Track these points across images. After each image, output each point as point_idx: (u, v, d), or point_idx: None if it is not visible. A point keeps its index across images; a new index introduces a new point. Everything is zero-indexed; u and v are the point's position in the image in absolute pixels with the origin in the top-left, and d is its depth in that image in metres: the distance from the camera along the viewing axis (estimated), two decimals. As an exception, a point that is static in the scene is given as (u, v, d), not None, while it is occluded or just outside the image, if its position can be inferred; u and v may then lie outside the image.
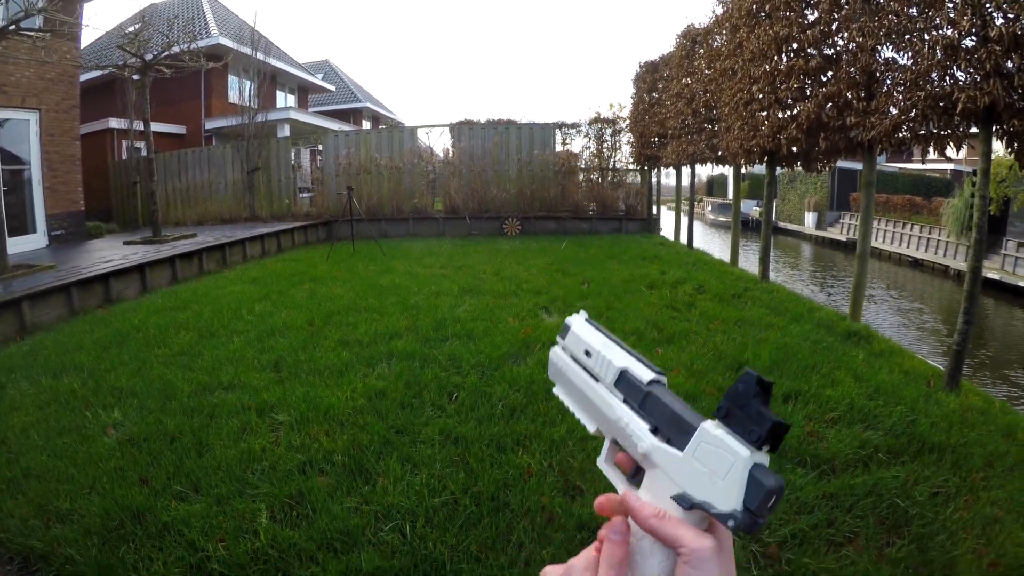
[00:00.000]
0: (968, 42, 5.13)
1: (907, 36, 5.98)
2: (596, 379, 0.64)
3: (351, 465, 3.51)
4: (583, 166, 18.31)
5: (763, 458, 0.51)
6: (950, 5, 5.35)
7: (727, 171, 46.18)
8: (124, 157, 20.21)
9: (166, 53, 12.45)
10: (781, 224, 33.16)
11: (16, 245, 11.51)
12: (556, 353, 0.70)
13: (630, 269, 10.13)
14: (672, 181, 17.31)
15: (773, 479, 0.49)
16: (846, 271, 22.24)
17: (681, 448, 0.55)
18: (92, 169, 17.03)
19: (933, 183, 30.68)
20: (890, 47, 6.44)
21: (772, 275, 10.08)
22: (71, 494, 3.33)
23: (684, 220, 16.11)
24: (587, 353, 0.66)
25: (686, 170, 15.53)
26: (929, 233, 23.37)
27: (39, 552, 2.93)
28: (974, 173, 20.97)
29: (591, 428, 0.66)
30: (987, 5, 4.86)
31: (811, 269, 23.81)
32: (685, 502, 0.53)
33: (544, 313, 7.26)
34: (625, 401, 0.61)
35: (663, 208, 19.18)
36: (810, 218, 32.10)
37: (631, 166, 18.19)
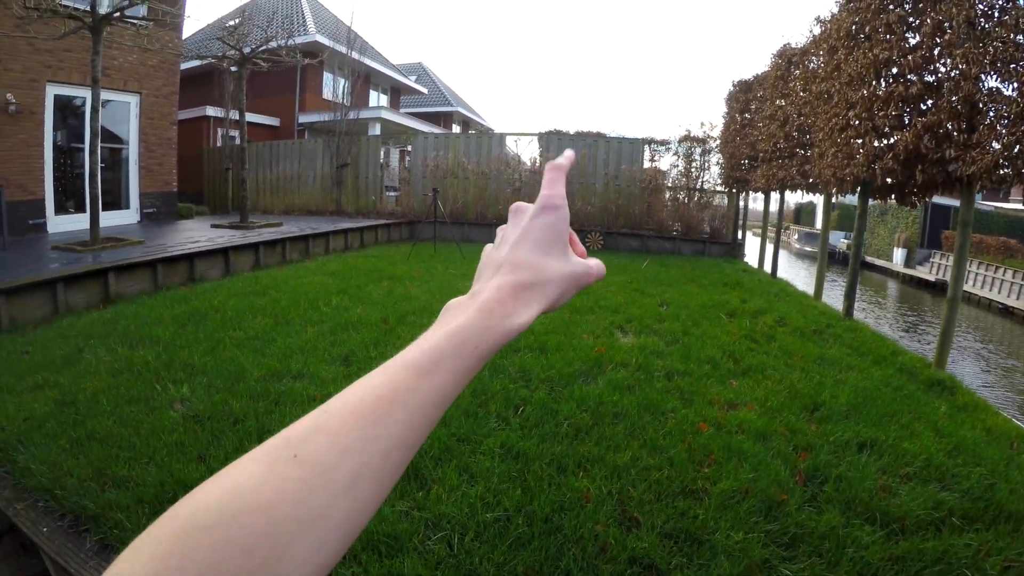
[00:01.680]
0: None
1: (1012, 65, 5.68)
2: None
3: (408, 469, 3.48)
4: (669, 184, 18.04)
5: None
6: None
7: (816, 199, 44.98)
8: (218, 144, 21.09)
9: (264, 47, 12.88)
10: (868, 259, 31.93)
11: (109, 219, 12.13)
12: None
13: (710, 294, 9.90)
14: (759, 206, 16.90)
15: None
16: (932, 314, 21.26)
17: None
18: (187, 154, 17.81)
19: (1029, 224, 29.00)
20: (995, 76, 6.12)
21: (856, 313, 9.70)
22: (130, 461, 3.45)
23: (769, 247, 15.70)
24: None
25: (774, 196, 15.13)
26: (1023, 279, 22.12)
27: (91, 513, 3.03)
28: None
29: None
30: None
31: (896, 309, 22.84)
32: None
33: (619, 332, 7.14)
34: None
35: (748, 233, 18.71)
36: (899, 254, 30.80)
37: (719, 187, 17.82)
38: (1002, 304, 22.18)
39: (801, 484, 3.66)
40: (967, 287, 23.79)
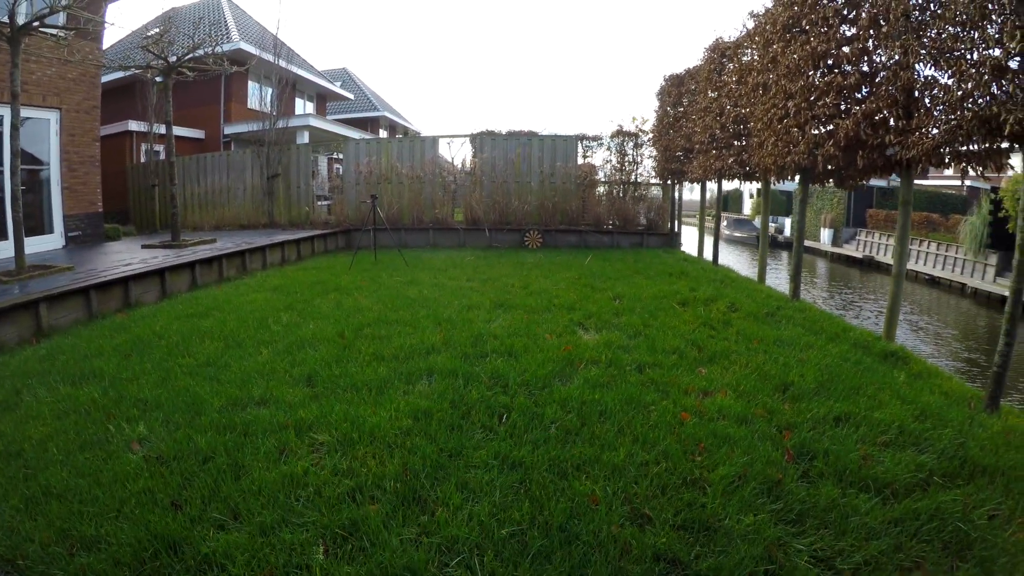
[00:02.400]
0: (1013, 63, 5.05)
1: (948, 55, 5.90)
2: None
3: (405, 492, 3.35)
4: (604, 179, 18.25)
5: None
6: (993, 29, 5.28)
7: (743, 187, 46.16)
8: (143, 160, 20.30)
9: (190, 55, 12.43)
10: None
11: (33, 245, 11.49)
12: None
13: (659, 285, 10.01)
14: (691, 196, 17.18)
15: None
16: (865, 288, 22.09)
17: None
18: (110, 171, 17.06)
19: (949, 200, 30.47)
20: (930, 65, 6.35)
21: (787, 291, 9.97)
22: (96, 518, 3.11)
23: (708, 236, 15.99)
24: None
25: (710, 185, 15.40)
26: (946, 251, 23.20)
27: (64, 585, 2.73)
28: (992, 190, 20.95)
29: None
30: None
31: (830, 286, 23.64)
32: None
33: (580, 329, 7.13)
34: None
35: (683, 223, 19.04)
36: (826, 235, 31.94)
37: (653, 180, 18.09)
38: (928, 275, 23.23)
39: (792, 462, 3.78)
40: (892, 260, 24.83)
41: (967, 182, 29.15)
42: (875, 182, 25.95)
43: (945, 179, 33.14)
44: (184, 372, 5.40)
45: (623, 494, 3.35)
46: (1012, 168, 5.74)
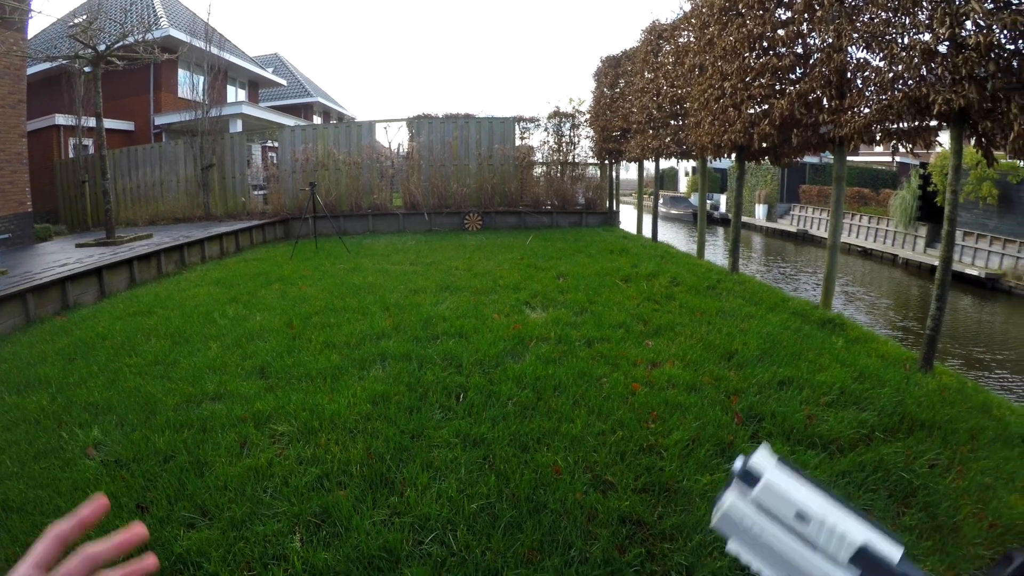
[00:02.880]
0: (942, 48, 5.30)
1: (880, 38, 6.15)
2: (813, 548, 0.54)
3: (371, 475, 3.40)
4: (541, 160, 18.36)
5: None
6: (924, 15, 5.52)
7: (678, 165, 46.88)
8: (71, 155, 19.51)
9: (120, 43, 12.02)
10: (731, 216, 33.71)
11: (-39, 250, 11.02)
12: (737, 507, 0.57)
13: (600, 263, 10.18)
14: (629, 175, 17.41)
15: None
16: (801, 261, 22.79)
17: None
18: (38, 168, 16.31)
19: (880, 175, 31.61)
20: (863, 48, 6.60)
21: (723, 265, 10.27)
22: None
23: (646, 214, 16.25)
24: (801, 516, 0.55)
25: (647, 164, 15.65)
26: (878, 224, 24.08)
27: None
28: (921, 166, 21.84)
29: None
30: (963, 16, 5.03)
31: (767, 260, 24.31)
32: None
33: (527, 308, 7.24)
34: None
35: (621, 202, 19.30)
36: (760, 210, 32.75)
37: (591, 160, 18.28)
38: (861, 247, 24.09)
39: (741, 424, 3.99)
40: (825, 233, 25.66)
41: (897, 158, 30.29)
42: (808, 159, 26.72)
43: (876, 155, 34.27)
44: (133, 372, 5.30)
45: (584, 463, 3.48)
46: (940, 145, 6.03)
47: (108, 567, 0.57)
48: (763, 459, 0.58)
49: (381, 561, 2.74)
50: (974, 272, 18.09)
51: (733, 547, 0.58)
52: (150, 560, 0.57)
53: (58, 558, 0.54)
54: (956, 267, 18.03)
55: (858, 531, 0.53)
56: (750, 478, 0.57)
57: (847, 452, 3.66)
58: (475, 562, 2.70)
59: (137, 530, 0.58)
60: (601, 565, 2.69)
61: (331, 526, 2.99)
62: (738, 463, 0.59)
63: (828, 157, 32.15)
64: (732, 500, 0.57)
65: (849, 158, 27.51)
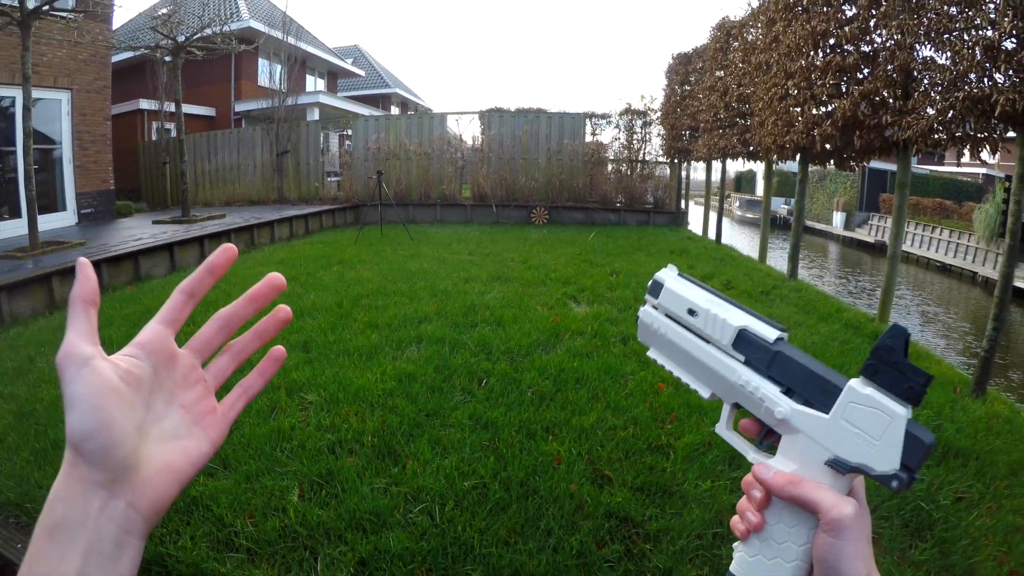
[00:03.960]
0: (1008, 44, 5.05)
1: (946, 35, 5.90)
2: (706, 340, 0.61)
3: (380, 447, 3.54)
4: (612, 157, 18.20)
5: (910, 413, 0.49)
6: (991, 5, 5.27)
7: (756, 167, 45.87)
8: (154, 138, 20.44)
9: (198, 35, 12.53)
10: (809, 223, 32.71)
11: (46, 223, 11.64)
12: (647, 313, 0.66)
13: (658, 262, 9.97)
14: (701, 176, 17.15)
15: (927, 434, 0.49)
16: (873, 273, 21.97)
17: (824, 410, 0.53)
18: (122, 149, 17.16)
19: (964, 187, 30.17)
20: (928, 46, 6.35)
21: (799, 274, 9.99)
22: None
23: (712, 215, 16.00)
24: (691, 312, 0.61)
25: (716, 165, 15.41)
26: (959, 238, 23.00)
27: (64, 523, 2.95)
28: (1007, 178, 20.74)
29: (704, 393, 0.62)
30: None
31: (838, 270, 23.54)
32: (842, 467, 0.51)
33: (572, 303, 7.25)
34: (747, 363, 0.58)
35: (691, 203, 19.01)
36: (838, 218, 31.70)
37: (661, 159, 18.07)
38: (940, 262, 23.05)
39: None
40: (906, 247, 24.66)
41: (983, 170, 28.89)
42: (888, 166, 25.69)
43: (962, 166, 32.80)
44: (187, 337, 5.46)
45: (587, 455, 3.50)
46: (1008, 151, 5.73)
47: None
48: (667, 273, 0.66)
49: (368, 523, 2.87)
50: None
51: (652, 354, 0.67)
52: (283, 313, 0.57)
53: (187, 313, 0.53)
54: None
55: (738, 317, 0.59)
56: (657, 289, 0.65)
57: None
58: (454, 535, 2.78)
59: (281, 315, 0.57)
60: (575, 556, 2.71)
61: (332, 487, 3.15)
62: (650, 281, 0.66)
63: (912, 165, 30.99)
64: (645, 309, 0.66)
65: (932, 168, 26.47)
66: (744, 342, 0.58)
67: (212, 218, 13.10)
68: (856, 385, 0.51)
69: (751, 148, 11.46)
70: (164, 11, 13.28)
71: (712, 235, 15.21)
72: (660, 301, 0.64)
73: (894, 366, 0.50)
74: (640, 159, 18.02)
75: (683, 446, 3.59)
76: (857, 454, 0.51)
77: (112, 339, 5.58)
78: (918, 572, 2.77)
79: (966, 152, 6.00)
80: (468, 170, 18.25)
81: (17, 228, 10.92)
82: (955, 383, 5.38)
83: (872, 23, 7.30)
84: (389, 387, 4.37)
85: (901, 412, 0.49)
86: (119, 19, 21.59)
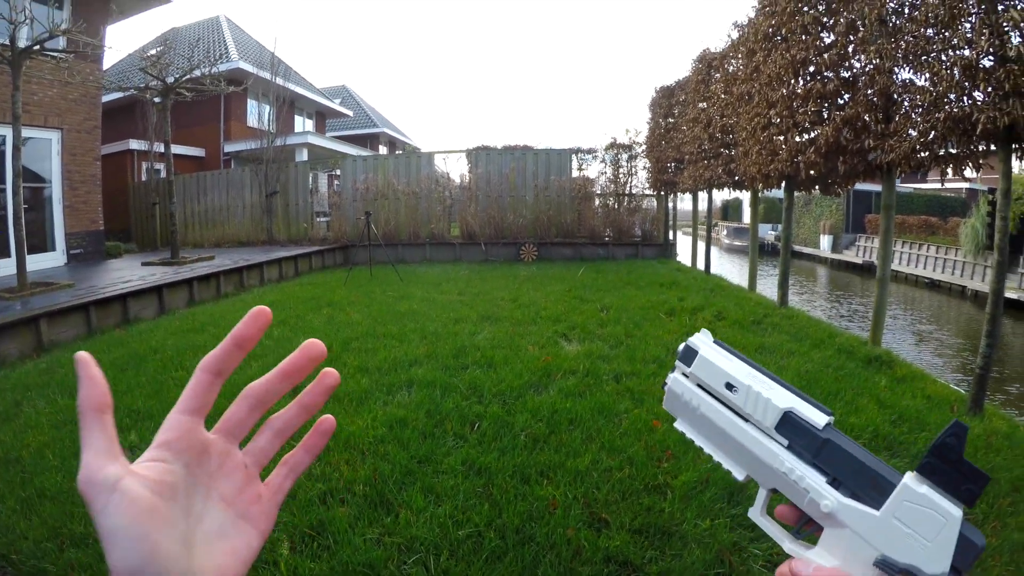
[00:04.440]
0: (986, 62, 5.11)
1: (924, 57, 5.97)
2: (745, 418, 0.57)
3: (372, 495, 3.46)
4: (599, 191, 18.34)
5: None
6: (967, 25, 5.34)
7: (742, 195, 46.22)
8: (144, 178, 20.49)
9: (187, 76, 12.61)
10: (796, 248, 32.93)
11: (35, 263, 11.61)
12: (678, 382, 0.62)
13: (648, 296, 10.08)
14: (687, 206, 17.24)
15: (979, 536, 0.47)
16: (863, 294, 22.03)
17: (874, 505, 0.50)
18: (112, 189, 17.21)
19: (948, 203, 30.51)
20: (907, 68, 6.43)
21: (790, 300, 10.01)
22: (86, 518, 3.22)
23: (701, 245, 16.08)
24: (729, 386, 0.58)
25: (702, 195, 15.52)
26: (945, 254, 23.21)
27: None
28: (990, 192, 21.00)
29: (738, 475, 0.59)
30: (1004, 25, 4.83)
31: (828, 293, 23.60)
32: (891, 568, 0.48)
33: (563, 341, 7.21)
34: (790, 447, 0.55)
35: (679, 233, 19.12)
36: (825, 241, 31.93)
37: (647, 191, 18.20)
38: (928, 279, 23.20)
39: None
40: (895, 265, 24.81)
41: (966, 185, 29.22)
42: (873, 187, 25.99)
43: (946, 183, 33.15)
44: (177, 385, 5.52)
45: (583, 499, 3.43)
46: (992, 168, 5.79)
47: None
48: (701, 339, 0.62)
49: (361, 576, 2.79)
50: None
51: (679, 425, 0.63)
52: (330, 379, 0.53)
53: (214, 395, 0.48)
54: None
55: (783, 398, 0.56)
56: (690, 357, 0.61)
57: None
58: (448, 589, 2.71)
59: (328, 381, 0.53)
60: (576, 603, 2.64)
61: (324, 539, 3.08)
62: (681, 346, 0.62)
63: (899, 186, 31.30)
64: (674, 376, 0.62)
65: (916, 186, 26.75)
66: (789, 426, 0.55)
67: (201, 260, 13.07)
68: (911, 483, 0.49)
69: (736, 178, 11.53)
70: (153, 52, 13.38)
71: (701, 265, 15.24)
72: (693, 370, 0.61)
73: (954, 466, 0.48)
74: (627, 192, 18.17)
75: (680, 484, 3.54)
76: (907, 554, 0.48)
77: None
78: None
79: (949, 171, 6.05)
80: (456, 208, 18.32)
81: (5, 268, 10.85)
82: (952, 402, 5.37)
83: (850, 49, 7.40)
84: (380, 433, 4.30)
85: (957, 514, 0.47)
86: (109, 60, 21.74)
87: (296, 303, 9.73)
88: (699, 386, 0.60)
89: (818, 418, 0.54)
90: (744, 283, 12.76)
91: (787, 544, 0.56)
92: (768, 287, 14.63)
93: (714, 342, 0.62)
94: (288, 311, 8.99)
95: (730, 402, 0.58)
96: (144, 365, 6.24)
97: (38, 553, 3.01)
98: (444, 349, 6.60)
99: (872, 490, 0.51)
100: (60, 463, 3.94)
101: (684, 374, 0.62)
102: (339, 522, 3.17)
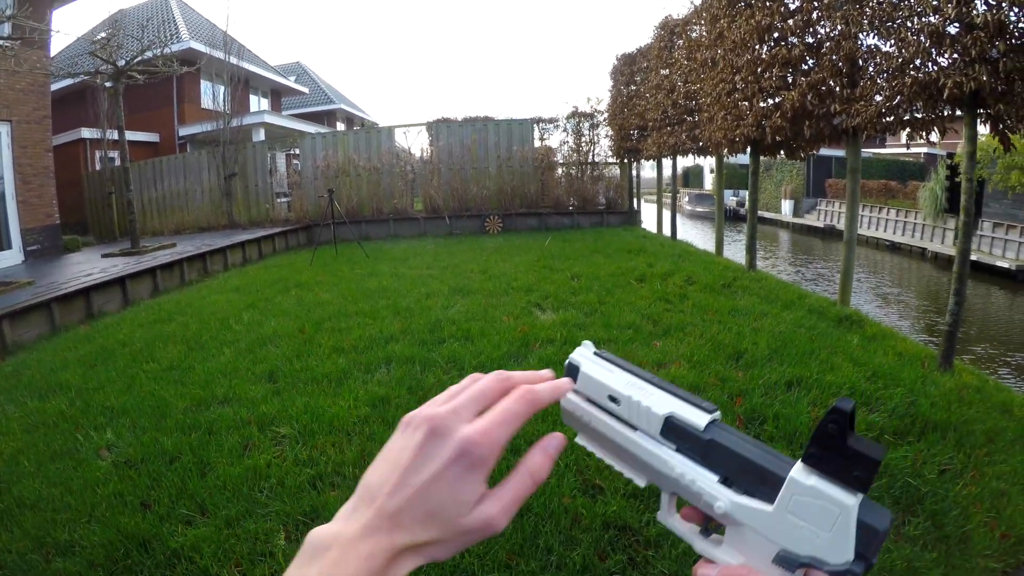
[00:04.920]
0: (952, 29, 5.19)
1: (889, 24, 6.03)
2: (634, 427, 0.56)
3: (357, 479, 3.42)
4: (562, 161, 18.32)
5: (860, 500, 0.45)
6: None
7: (702, 161, 46.51)
8: (98, 167, 19.91)
9: (139, 58, 12.23)
10: (759, 213, 33.31)
11: (-10, 262, 11.27)
12: (570, 400, 0.61)
13: (617, 263, 10.12)
14: (649, 174, 17.29)
15: (882, 518, 0.44)
16: (826, 257, 22.43)
17: (767, 500, 0.48)
18: (65, 181, 16.60)
19: (907, 167, 31.11)
20: (872, 35, 6.49)
21: (759, 263, 10.12)
22: (70, 524, 3.17)
23: (666, 212, 16.16)
24: (613, 399, 0.57)
25: (666, 162, 15.57)
26: (905, 217, 23.70)
27: (41, 587, 2.80)
28: (948, 156, 21.43)
29: (640, 483, 0.58)
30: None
31: (792, 257, 23.98)
32: (791, 563, 0.46)
33: (538, 310, 7.22)
34: (679, 451, 0.54)
35: (642, 201, 19.22)
36: (787, 206, 32.38)
37: (610, 159, 18.21)
38: (889, 241, 23.68)
39: (741, 427, 3.85)
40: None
41: (925, 149, 29.78)
42: (833, 152, 26.36)
43: (903, 147, 33.74)
44: (149, 378, 5.40)
45: (575, 467, 3.44)
46: (957, 132, 5.90)
47: None
48: (582, 353, 0.62)
49: (360, 560, 2.76)
50: (1005, 264, 17.65)
51: (580, 440, 0.62)
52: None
53: None
54: (986, 259, 17.68)
55: (663, 404, 0.55)
56: (574, 373, 0.61)
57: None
58: (453, 564, 2.70)
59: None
60: (580, 571, 2.66)
61: (319, 525, 2.99)
62: (566, 363, 0.62)
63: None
64: (566, 396, 0.61)
65: (875, 150, 27.27)
66: (673, 430, 0.54)
67: (163, 248, 12.79)
68: (798, 476, 0.46)
69: (701, 144, 11.57)
70: (103, 35, 12.90)
71: (667, 232, 15.33)
72: (579, 387, 0.61)
73: (838, 453, 0.45)
74: (590, 161, 18.19)
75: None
76: (807, 547, 0.46)
77: (70, 382, 5.38)
78: (915, 546, 2.83)
79: (915, 135, 6.14)
80: (419, 183, 18.19)
81: (-39, 269, 10.50)
82: (922, 358, 5.50)
83: (815, 15, 7.43)
84: (364, 413, 4.27)
85: (850, 502, 0.44)
86: (57, 45, 21.00)
87: (263, 286, 9.58)
88: (589, 400, 0.60)
89: (699, 419, 0.53)
90: (708, 248, 12.89)
91: (697, 544, 0.56)
92: (734, 252, 14.76)
93: (595, 353, 0.62)
94: (256, 295, 8.85)
95: (617, 414, 0.57)
96: (113, 360, 6.07)
97: (24, 566, 2.91)
98: (419, 324, 6.56)
99: (763, 485, 0.49)
100: (36, 468, 3.82)
101: (574, 390, 0.61)
102: (332, 507, 3.11)
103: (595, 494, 3.21)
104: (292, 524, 3.07)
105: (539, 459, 0.54)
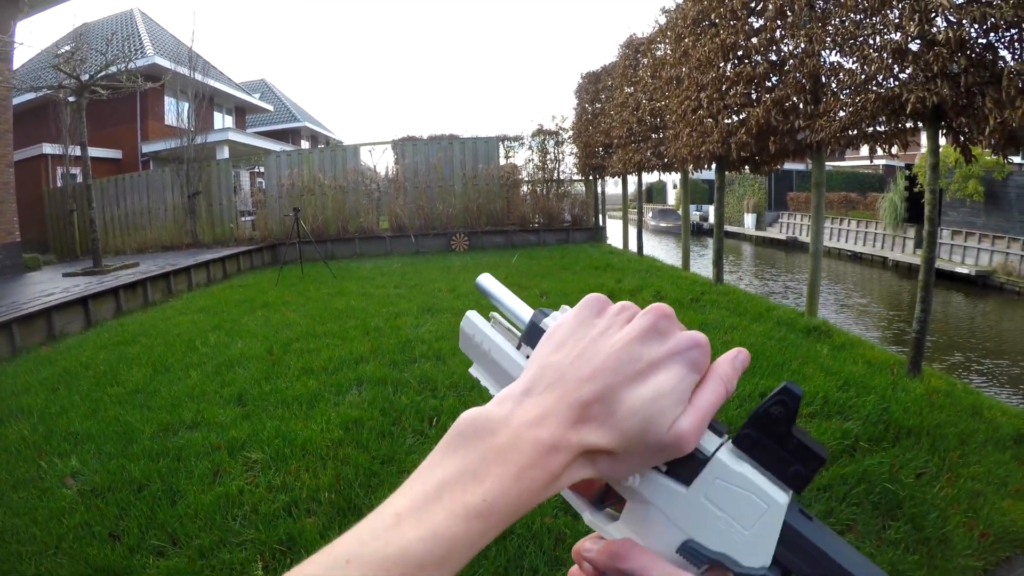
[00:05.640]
0: (914, 46, 5.32)
1: (852, 41, 6.17)
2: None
3: (339, 502, 3.36)
4: (527, 178, 18.45)
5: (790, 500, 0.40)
6: (895, 13, 5.54)
7: (665, 178, 46.97)
8: (59, 184, 19.46)
9: (103, 73, 12.01)
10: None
11: (-53, 284, 10.92)
12: (467, 319, 0.53)
13: (584, 279, 10.16)
14: (613, 190, 17.44)
15: (811, 525, 0.40)
16: (791, 270, 22.74)
17: (684, 481, 0.41)
18: (26, 198, 16.18)
19: (866, 179, 31.81)
20: (835, 52, 6.63)
21: (725, 277, 10.22)
22: (36, 556, 3.04)
23: (632, 229, 16.28)
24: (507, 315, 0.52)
25: (631, 178, 15.71)
26: (866, 227, 24.19)
27: (9, 627, 2.68)
28: (907, 167, 21.92)
29: None
30: (932, 12, 5.04)
31: (756, 269, 24.26)
32: (697, 556, 0.39)
33: (509, 328, 7.18)
34: None
35: (607, 217, 19.36)
36: (749, 219, 32.81)
37: (575, 177, 18.35)
38: (851, 251, 24.16)
39: None
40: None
41: (883, 161, 30.47)
42: (794, 166, 26.88)
43: (862, 160, 34.49)
44: (113, 401, 5.26)
45: (556, 486, 3.40)
46: (919, 145, 6.05)
47: None
48: (486, 279, 0.57)
49: (341, 589, 2.69)
50: (964, 270, 18.11)
51: (473, 371, 0.54)
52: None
53: None
54: (946, 266, 18.10)
55: (526, 310, 0.52)
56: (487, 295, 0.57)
57: (829, 465, 3.58)
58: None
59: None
60: (563, 592, 2.63)
61: (296, 553, 2.96)
62: (476, 282, 0.58)
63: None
64: (466, 316, 0.54)
65: (835, 163, 27.69)
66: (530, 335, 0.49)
67: (126, 267, 12.51)
68: (726, 459, 0.40)
69: (666, 160, 11.69)
70: (67, 48, 12.65)
71: (633, 247, 15.44)
72: (495, 315, 0.54)
73: (779, 441, 0.40)
74: (555, 179, 18.32)
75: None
76: (719, 542, 0.39)
77: (32, 406, 5.21)
78: (897, 550, 2.88)
79: (878, 149, 6.27)
80: (384, 201, 18.12)
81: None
82: (891, 365, 5.61)
83: (779, 33, 7.57)
84: (337, 436, 4.19)
85: (782, 501, 0.39)
86: (20, 59, 20.54)
87: (228, 306, 9.43)
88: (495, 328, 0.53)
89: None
90: (674, 263, 13.00)
91: (587, 515, 0.47)
92: (700, 266, 14.92)
93: (492, 276, 0.58)
94: (222, 315, 8.71)
95: (505, 327, 0.53)
96: (76, 383, 5.90)
97: (-12, 600, 2.79)
98: (389, 344, 6.50)
99: (684, 465, 0.41)
100: (-2, 498, 3.69)
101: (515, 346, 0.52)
102: (309, 533, 3.07)
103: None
104: (269, 553, 2.98)
105: (729, 369, 0.43)
